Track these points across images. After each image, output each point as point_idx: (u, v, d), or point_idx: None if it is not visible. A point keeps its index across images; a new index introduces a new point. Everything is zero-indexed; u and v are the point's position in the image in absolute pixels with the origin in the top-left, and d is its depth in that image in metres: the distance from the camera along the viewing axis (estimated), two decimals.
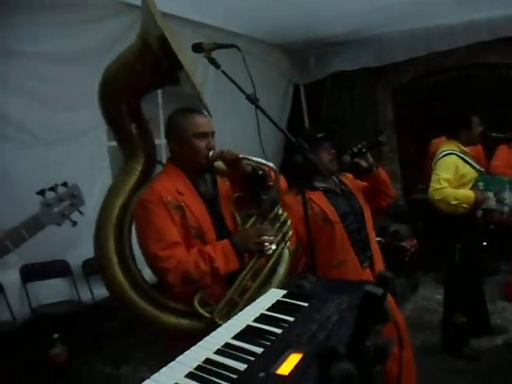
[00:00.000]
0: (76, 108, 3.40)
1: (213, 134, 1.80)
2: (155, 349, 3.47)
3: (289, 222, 1.84)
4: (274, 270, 1.78)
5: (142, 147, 1.83)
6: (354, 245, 2.30)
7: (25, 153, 3.26)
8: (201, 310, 1.65)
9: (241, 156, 1.76)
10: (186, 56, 1.69)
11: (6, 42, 3.10)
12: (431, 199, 2.97)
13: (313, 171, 2.25)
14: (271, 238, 1.73)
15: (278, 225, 1.81)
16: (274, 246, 1.74)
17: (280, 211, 1.83)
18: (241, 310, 1.53)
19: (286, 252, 1.82)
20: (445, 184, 2.96)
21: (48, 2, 3.21)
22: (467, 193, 2.99)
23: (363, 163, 2.36)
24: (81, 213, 1.63)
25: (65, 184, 1.57)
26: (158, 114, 4.12)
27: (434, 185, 2.98)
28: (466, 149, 3.15)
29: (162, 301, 1.73)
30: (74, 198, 1.58)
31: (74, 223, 1.61)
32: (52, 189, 1.53)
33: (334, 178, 2.41)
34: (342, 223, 2.28)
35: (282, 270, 1.79)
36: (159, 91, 4.08)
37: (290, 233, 1.83)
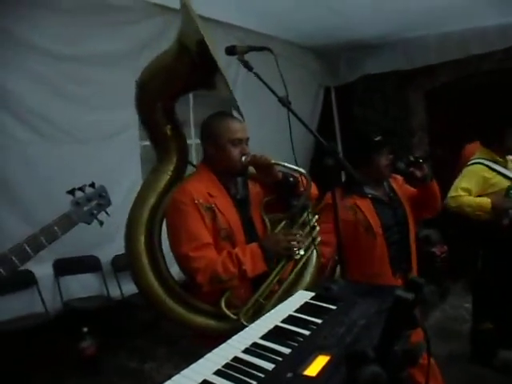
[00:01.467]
0: (110, 108, 3.50)
1: (247, 140, 1.82)
2: (180, 346, 3.52)
3: (318, 227, 1.84)
4: (301, 275, 1.79)
5: (175, 148, 1.86)
6: (392, 257, 2.26)
7: (59, 151, 3.38)
8: (227, 311, 1.67)
9: (273, 162, 1.78)
10: (220, 60, 1.70)
11: (44, 43, 3.22)
12: (447, 206, 2.92)
13: (370, 176, 2.25)
14: (300, 243, 1.74)
15: (307, 230, 1.81)
16: (302, 252, 1.74)
17: (310, 216, 1.83)
18: (267, 312, 1.56)
19: (314, 257, 1.83)
20: (461, 193, 2.90)
21: (83, 4, 3.31)
22: (483, 200, 2.90)
23: (418, 173, 2.28)
24: (107, 213, 1.68)
25: (92, 185, 1.63)
26: (189, 114, 4.17)
27: (450, 192, 2.94)
28: (499, 158, 3.06)
29: (190, 301, 1.75)
30: (102, 199, 1.64)
31: (101, 223, 1.66)
32: (81, 189, 1.59)
33: (385, 183, 2.38)
34: (383, 235, 2.24)
35: (308, 274, 1.80)
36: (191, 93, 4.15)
37: (319, 238, 1.83)
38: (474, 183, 2.94)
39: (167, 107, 1.82)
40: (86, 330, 3.37)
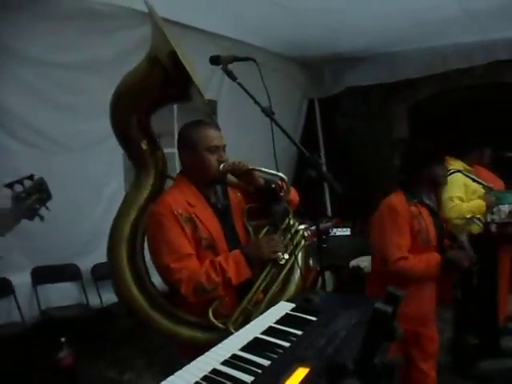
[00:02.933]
0: (94, 117, 3.47)
1: (224, 147, 1.82)
2: (159, 356, 3.47)
3: (301, 232, 1.85)
4: (287, 280, 1.78)
5: (153, 162, 1.85)
6: None
7: (44, 159, 3.33)
8: (215, 322, 1.65)
9: (251, 167, 1.78)
10: (194, 70, 1.71)
11: (30, 50, 3.18)
12: (448, 218, 2.96)
13: (426, 184, 2.28)
14: (283, 247, 1.74)
15: (289, 235, 1.81)
16: (286, 256, 1.74)
17: (291, 221, 1.83)
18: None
19: (300, 261, 1.82)
20: (457, 201, 3.00)
21: (72, 12, 3.30)
22: (477, 202, 3.06)
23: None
24: (47, 208, 1.58)
25: (31, 177, 1.53)
26: (173, 124, 4.16)
27: (447, 205, 3.00)
28: (470, 167, 3.20)
29: (175, 312, 1.74)
30: (42, 192, 1.52)
31: (42, 218, 1.55)
32: (19, 182, 1.48)
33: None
34: (436, 246, 2.26)
35: (295, 279, 1.80)
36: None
37: (303, 242, 1.84)
38: (463, 190, 3.08)
39: (142, 122, 1.82)
40: (63, 339, 3.29)
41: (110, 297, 3.60)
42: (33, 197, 1.47)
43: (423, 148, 2.35)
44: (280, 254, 1.72)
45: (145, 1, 1.74)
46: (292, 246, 1.79)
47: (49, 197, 1.54)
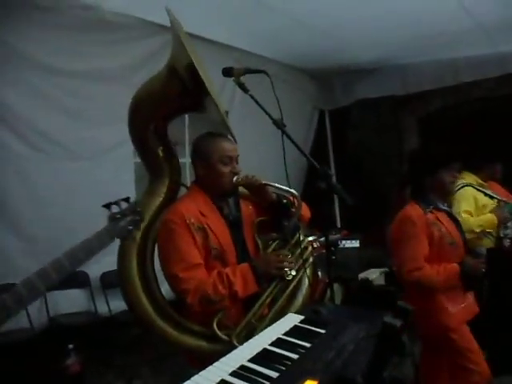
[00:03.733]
0: (106, 124, 3.51)
1: (237, 158, 1.84)
2: (166, 365, 3.46)
3: (310, 248, 1.85)
4: (293, 296, 1.78)
5: (168, 170, 1.87)
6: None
7: (55, 166, 3.38)
8: (219, 333, 1.65)
9: (264, 182, 1.79)
10: (212, 83, 1.74)
11: (44, 59, 3.25)
12: None
13: (435, 191, 2.29)
14: (292, 263, 1.74)
15: (299, 251, 1.81)
16: (293, 272, 1.74)
17: (301, 237, 1.83)
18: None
19: (306, 278, 1.82)
20: (465, 215, 2.97)
21: (84, 22, 3.36)
22: (488, 217, 3.00)
23: None
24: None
25: (127, 199, 1.58)
26: (184, 134, 4.20)
27: None
28: (483, 182, 3.17)
29: (181, 322, 1.74)
30: (136, 214, 1.57)
31: (134, 239, 1.64)
32: (116, 203, 1.54)
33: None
34: (463, 248, 2.28)
35: (301, 295, 1.80)
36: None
37: (311, 259, 1.84)
38: (472, 204, 3.04)
39: (159, 129, 1.84)
40: (71, 346, 3.30)
41: (118, 304, 3.61)
42: (127, 218, 1.53)
43: (430, 153, 2.36)
44: (288, 270, 1.72)
45: (167, 12, 1.77)
46: (301, 262, 1.79)
47: (142, 219, 1.60)
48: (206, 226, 1.72)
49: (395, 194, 2.62)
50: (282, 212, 1.83)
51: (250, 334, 1.65)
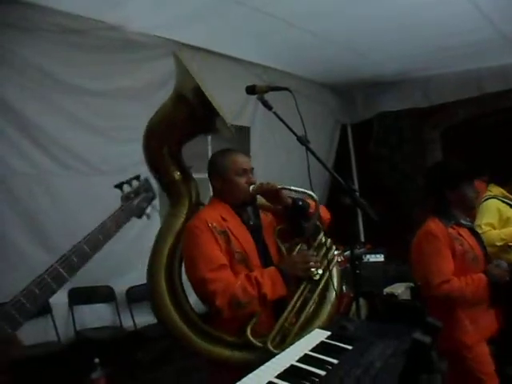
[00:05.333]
0: (130, 141, 3.59)
1: (252, 170, 1.89)
2: (192, 380, 3.45)
3: (334, 248, 1.85)
4: (323, 297, 1.79)
5: (186, 191, 1.93)
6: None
7: (81, 182, 3.47)
8: (253, 340, 1.65)
9: (279, 187, 1.82)
10: (218, 104, 1.79)
11: (70, 79, 3.37)
12: None
13: (457, 206, 2.27)
14: (317, 262, 1.76)
15: (323, 251, 1.83)
16: (320, 271, 1.75)
17: (324, 238, 1.84)
18: (295, 337, 1.56)
19: (335, 278, 1.82)
20: (487, 228, 2.90)
21: (108, 42, 3.48)
22: (511, 230, 2.91)
23: None
24: (155, 209, 1.65)
25: (137, 177, 1.59)
26: (207, 147, 4.25)
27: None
28: (510, 195, 3.10)
29: (213, 333, 1.75)
30: (148, 192, 1.58)
31: (148, 216, 1.62)
32: (128, 182, 1.56)
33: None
34: (484, 264, 2.25)
35: (331, 296, 1.80)
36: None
37: (336, 259, 1.85)
38: (496, 217, 2.96)
39: (174, 154, 1.91)
40: (97, 360, 3.34)
41: (143, 319, 3.65)
42: (140, 196, 1.55)
43: (451, 167, 2.33)
44: (314, 269, 1.73)
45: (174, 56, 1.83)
46: (326, 262, 1.80)
47: (154, 196, 1.61)
48: (227, 230, 1.75)
49: (419, 209, 2.59)
50: (300, 214, 1.84)
51: (283, 338, 1.65)
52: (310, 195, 1.80)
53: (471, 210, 2.40)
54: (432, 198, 2.36)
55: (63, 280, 1.32)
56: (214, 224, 1.73)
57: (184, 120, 1.85)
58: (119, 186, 1.54)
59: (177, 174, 1.90)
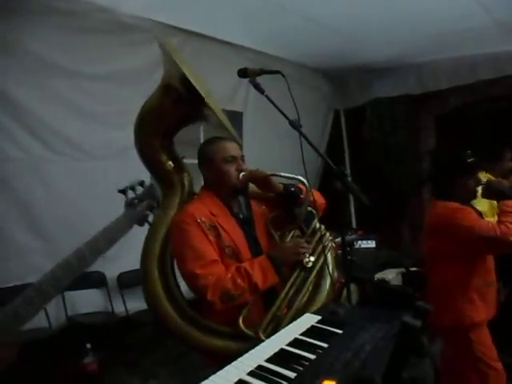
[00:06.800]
0: (124, 125, 3.56)
1: (242, 157, 1.86)
2: (182, 365, 3.48)
3: (328, 234, 1.84)
4: (318, 285, 1.78)
5: (179, 181, 1.93)
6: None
7: (74, 167, 3.43)
8: (245, 330, 1.64)
9: (270, 173, 1.81)
10: (207, 91, 1.79)
11: (62, 62, 3.30)
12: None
13: (460, 195, 2.31)
14: (308, 248, 1.74)
15: (317, 237, 1.82)
16: (312, 258, 1.74)
17: (318, 224, 1.83)
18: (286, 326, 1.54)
19: (330, 265, 1.82)
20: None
21: (101, 25, 3.40)
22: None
23: None
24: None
25: (142, 183, 1.54)
26: (200, 134, 4.22)
27: None
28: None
29: (206, 324, 1.75)
30: (152, 199, 1.52)
31: (150, 224, 1.57)
32: (132, 188, 1.51)
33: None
34: None
35: (326, 284, 1.79)
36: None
37: (330, 245, 1.83)
38: (486, 205, 2.97)
39: (165, 143, 1.91)
40: (89, 345, 3.35)
41: (134, 305, 3.65)
42: (144, 203, 1.49)
43: (458, 158, 2.34)
44: (306, 256, 1.72)
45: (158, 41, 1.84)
46: (320, 249, 1.79)
47: (158, 204, 1.56)
48: (216, 225, 1.73)
49: (413, 194, 2.61)
50: (292, 201, 1.83)
51: (276, 327, 1.64)
52: (300, 181, 1.78)
53: (471, 200, 2.42)
54: (437, 183, 2.38)
55: (63, 286, 1.33)
56: (203, 219, 1.72)
57: (172, 109, 1.85)
58: (123, 192, 1.50)
59: (169, 165, 1.90)
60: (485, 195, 2.43)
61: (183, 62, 1.76)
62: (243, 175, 1.81)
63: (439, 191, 2.37)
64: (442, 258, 2.33)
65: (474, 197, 2.40)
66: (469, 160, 2.31)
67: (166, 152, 1.90)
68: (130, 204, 1.48)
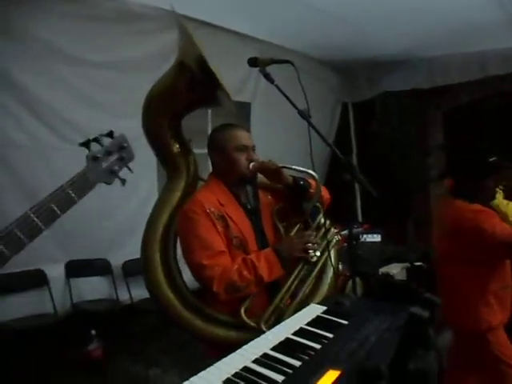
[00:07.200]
0: (131, 115, 3.55)
1: (253, 147, 1.84)
2: (186, 353, 3.50)
3: (333, 229, 1.84)
4: (320, 279, 1.78)
5: (184, 165, 1.88)
6: None
7: (81, 156, 3.43)
8: (247, 320, 1.64)
9: (281, 165, 1.79)
10: (220, 76, 1.74)
11: (72, 50, 3.31)
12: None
13: (477, 194, 2.25)
14: (315, 244, 1.73)
15: (322, 232, 1.81)
16: (318, 253, 1.73)
17: (323, 219, 1.82)
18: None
19: (332, 259, 1.81)
20: None
21: (110, 13, 3.40)
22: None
23: None
24: (130, 169, 1.38)
25: (110, 134, 1.32)
26: (207, 124, 4.21)
27: None
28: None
29: (207, 312, 1.75)
30: (123, 151, 1.32)
31: (123, 181, 1.35)
32: (96, 140, 1.27)
33: None
34: None
35: (328, 278, 1.79)
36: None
37: (335, 240, 1.83)
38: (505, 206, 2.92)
39: (173, 126, 1.85)
40: (93, 332, 3.38)
41: (138, 293, 3.67)
42: (112, 157, 1.28)
43: (478, 159, 2.27)
44: (312, 251, 1.72)
45: (173, 11, 1.78)
46: (324, 244, 1.79)
47: (131, 156, 1.35)
48: (225, 215, 1.72)
49: (419, 189, 2.57)
50: (300, 194, 1.82)
51: (278, 319, 1.64)
52: (311, 175, 1.77)
53: (490, 201, 2.35)
54: (457, 182, 2.31)
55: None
56: (212, 209, 1.70)
57: (186, 90, 1.78)
58: (85, 144, 1.28)
59: (175, 147, 1.85)
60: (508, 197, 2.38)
61: (200, 43, 1.72)
62: (253, 165, 1.80)
63: (458, 190, 2.27)
64: (458, 260, 2.24)
65: (494, 197, 2.35)
66: (491, 159, 2.23)
67: (173, 133, 1.85)
68: (93, 158, 1.27)
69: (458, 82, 5.17)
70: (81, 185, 1.24)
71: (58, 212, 1.21)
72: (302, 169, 1.78)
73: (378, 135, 6.00)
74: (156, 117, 1.85)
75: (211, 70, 1.65)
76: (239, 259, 1.68)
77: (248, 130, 1.89)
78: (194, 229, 1.69)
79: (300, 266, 1.72)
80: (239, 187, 1.85)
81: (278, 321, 1.62)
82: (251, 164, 1.80)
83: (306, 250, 1.71)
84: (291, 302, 1.71)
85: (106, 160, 1.28)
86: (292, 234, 1.81)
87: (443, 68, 5.18)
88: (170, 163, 1.90)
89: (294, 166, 1.79)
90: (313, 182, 1.81)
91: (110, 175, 1.29)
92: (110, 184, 1.31)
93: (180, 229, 1.78)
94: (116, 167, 1.29)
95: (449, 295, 2.30)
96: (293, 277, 1.71)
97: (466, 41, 4.64)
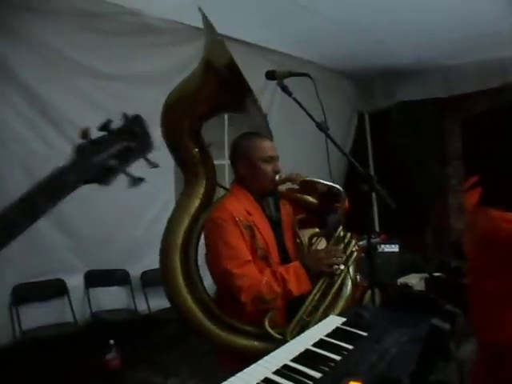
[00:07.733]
0: (148, 127, 3.61)
1: (277, 158, 1.84)
2: (204, 364, 3.50)
3: (353, 242, 1.83)
4: (340, 289, 1.76)
5: (204, 171, 1.83)
6: None
7: None
8: (272, 332, 1.63)
9: (308, 179, 1.79)
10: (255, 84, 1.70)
11: (89, 63, 3.40)
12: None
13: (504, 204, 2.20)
14: (341, 259, 1.73)
15: (342, 246, 1.80)
16: (342, 267, 1.73)
17: (343, 232, 1.82)
18: None
19: (351, 273, 1.80)
20: None
21: (127, 27, 3.48)
22: None
23: None
24: (150, 163, 1.02)
25: (126, 117, 0.98)
26: (224, 135, 4.25)
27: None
28: None
29: (228, 321, 1.74)
30: (133, 140, 0.96)
31: (135, 181, 1.00)
32: (105, 127, 0.94)
33: None
34: None
35: (347, 289, 1.78)
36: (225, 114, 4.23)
37: (355, 254, 1.82)
38: None
39: (194, 130, 1.80)
40: (112, 342, 3.40)
41: (157, 303, 3.70)
42: (113, 148, 0.93)
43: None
44: (337, 266, 1.71)
45: (200, 11, 1.78)
46: (345, 256, 1.78)
47: (145, 147, 0.98)
48: (252, 225, 1.72)
49: (438, 202, 2.53)
50: (332, 204, 1.81)
51: (302, 330, 1.62)
52: (336, 188, 1.75)
53: None
54: (489, 190, 2.24)
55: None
56: (241, 218, 1.70)
57: (212, 92, 1.71)
58: (83, 136, 0.96)
59: (195, 151, 1.79)
60: None
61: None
62: (280, 177, 1.80)
63: (491, 198, 2.24)
64: (491, 273, 2.20)
65: None
66: None
67: (193, 138, 1.78)
68: (78, 150, 0.94)
69: (476, 90, 5.12)
70: (52, 188, 0.92)
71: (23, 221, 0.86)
72: (328, 183, 1.76)
73: (395, 144, 5.97)
74: (177, 119, 1.78)
75: (242, 74, 1.60)
76: (268, 271, 1.67)
77: (271, 140, 1.87)
78: (223, 236, 1.69)
79: (323, 279, 1.72)
80: (263, 197, 1.85)
81: (301, 332, 1.62)
82: (277, 176, 1.79)
83: (333, 265, 1.71)
84: (314, 314, 1.70)
85: (98, 153, 0.93)
86: (314, 246, 1.81)
87: (460, 76, 5.16)
88: (188, 168, 1.84)
89: (321, 180, 1.78)
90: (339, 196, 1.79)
91: (104, 173, 0.94)
92: (106, 185, 0.98)
93: (209, 236, 1.76)
94: (114, 162, 0.94)
95: (480, 309, 2.25)
96: (316, 289, 1.70)
97: (482, 49, 4.61)
